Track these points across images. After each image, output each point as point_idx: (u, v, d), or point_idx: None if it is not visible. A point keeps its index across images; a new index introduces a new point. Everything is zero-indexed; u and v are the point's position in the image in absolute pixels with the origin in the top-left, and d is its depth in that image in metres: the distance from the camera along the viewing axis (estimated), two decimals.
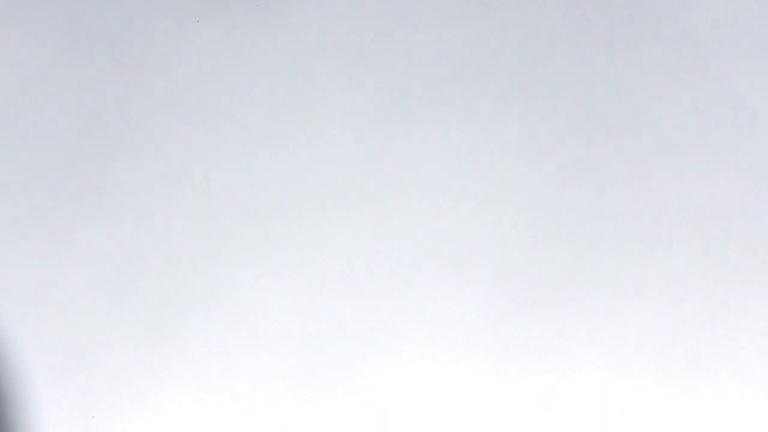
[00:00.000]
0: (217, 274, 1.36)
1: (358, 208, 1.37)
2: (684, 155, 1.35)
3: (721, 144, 1.34)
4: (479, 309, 1.34)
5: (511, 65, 1.36)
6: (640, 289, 1.34)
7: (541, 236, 1.36)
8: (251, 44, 1.38)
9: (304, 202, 1.37)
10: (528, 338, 1.34)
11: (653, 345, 1.34)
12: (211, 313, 1.35)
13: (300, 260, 1.37)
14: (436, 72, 1.37)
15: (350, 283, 1.36)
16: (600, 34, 1.36)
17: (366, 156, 1.37)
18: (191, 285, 1.35)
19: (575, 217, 1.36)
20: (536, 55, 1.37)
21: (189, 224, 1.37)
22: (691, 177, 1.35)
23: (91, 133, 1.38)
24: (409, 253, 1.36)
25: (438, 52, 1.37)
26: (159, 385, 1.34)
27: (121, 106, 1.38)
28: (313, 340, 1.36)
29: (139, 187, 1.38)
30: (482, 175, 1.36)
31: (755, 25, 1.34)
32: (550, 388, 1.33)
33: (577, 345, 1.33)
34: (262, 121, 1.38)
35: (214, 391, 1.34)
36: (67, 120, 1.38)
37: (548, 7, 1.37)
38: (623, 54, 1.36)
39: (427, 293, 1.35)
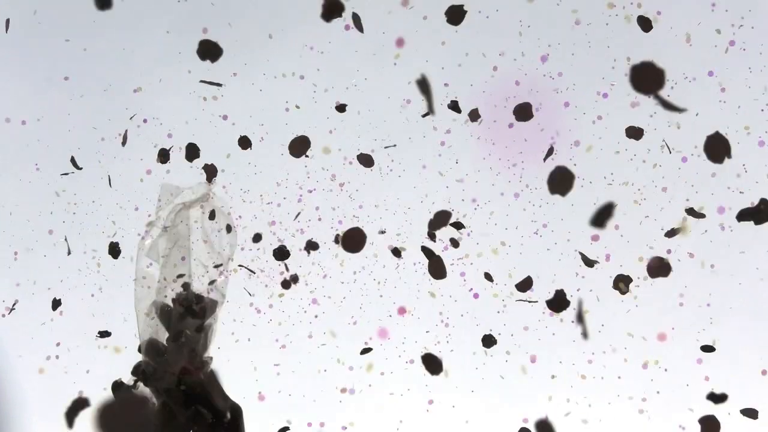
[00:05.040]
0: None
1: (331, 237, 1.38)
2: (662, 202, 1.37)
3: (700, 186, 1.37)
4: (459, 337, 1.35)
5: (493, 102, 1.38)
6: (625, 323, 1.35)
7: (522, 268, 1.36)
8: (232, 84, 1.39)
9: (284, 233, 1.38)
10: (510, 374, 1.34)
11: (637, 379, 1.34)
12: None
13: (278, 290, 1.37)
14: (414, 111, 1.39)
15: (326, 307, 1.36)
16: (576, 82, 1.39)
17: (344, 194, 1.38)
18: None
19: (557, 254, 1.37)
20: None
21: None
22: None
23: (74, 168, 1.39)
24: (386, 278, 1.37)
25: (416, 91, 1.39)
26: None
27: (104, 140, 1.39)
28: (291, 369, 1.36)
29: (118, 222, 1.38)
30: (469, 203, 1.37)
31: (730, 79, 1.38)
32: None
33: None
34: (241, 156, 1.39)
35: None
36: (50, 156, 1.39)
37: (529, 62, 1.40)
38: (598, 103, 1.39)
39: (404, 324, 1.35)
